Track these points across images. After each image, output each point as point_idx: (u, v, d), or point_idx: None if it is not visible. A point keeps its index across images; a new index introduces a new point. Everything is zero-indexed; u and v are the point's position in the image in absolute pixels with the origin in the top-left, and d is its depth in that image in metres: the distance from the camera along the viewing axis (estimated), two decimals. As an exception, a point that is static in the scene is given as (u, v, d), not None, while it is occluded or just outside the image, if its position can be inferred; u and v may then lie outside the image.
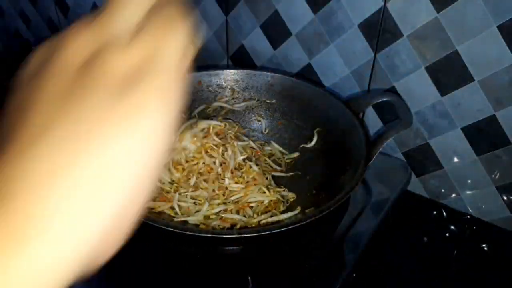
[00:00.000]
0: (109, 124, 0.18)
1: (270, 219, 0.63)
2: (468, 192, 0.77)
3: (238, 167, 0.72)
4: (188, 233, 0.52)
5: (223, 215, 0.63)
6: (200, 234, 0.53)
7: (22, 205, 0.17)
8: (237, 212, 0.65)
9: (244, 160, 0.73)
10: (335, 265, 0.60)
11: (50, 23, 1.38)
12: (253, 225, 0.62)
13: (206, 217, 0.62)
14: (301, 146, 0.77)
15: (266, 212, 0.65)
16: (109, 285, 0.57)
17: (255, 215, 0.65)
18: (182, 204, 0.63)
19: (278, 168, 0.76)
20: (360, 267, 0.62)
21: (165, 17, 0.21)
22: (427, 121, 0.76)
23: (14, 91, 0.20)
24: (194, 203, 0.64)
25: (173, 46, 0.20)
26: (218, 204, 0.64)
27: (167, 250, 0.62)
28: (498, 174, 0.73)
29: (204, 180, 0.69)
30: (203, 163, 0.71)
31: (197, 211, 0.63)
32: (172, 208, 0.63)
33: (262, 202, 0.67)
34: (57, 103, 0.19)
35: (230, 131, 0.78)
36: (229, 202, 0.66)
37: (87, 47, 0.20)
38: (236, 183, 0.69)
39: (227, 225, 0.63)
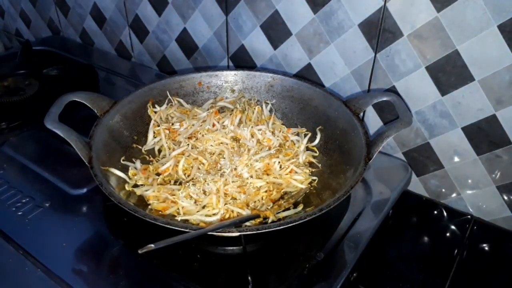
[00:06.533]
0: None
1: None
2: (469, 191, 0.77)
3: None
4: (187, 230, 0.52)
5: (229, 206, 0.62)
6: (200, 232, 0.53)
7: None
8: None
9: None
10: (335, 265, 0.60)
11: (50, 23, 1.38)
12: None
13: (208, 216, 0.61)
14: (306, 145, 0.76)
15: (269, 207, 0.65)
16: (110, 285, 0.57)
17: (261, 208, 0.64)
18: (185, 204, 0.63)
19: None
20: (360, 267, 0.62)
21: None
22: (427, 120, 0.76)
23: None
24: (195, 202, 0.64)
25: None
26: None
27: (168, 249, 0.62)
28: (498, 174, 0.73)
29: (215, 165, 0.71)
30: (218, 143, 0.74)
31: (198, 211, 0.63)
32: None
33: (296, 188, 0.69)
34: None
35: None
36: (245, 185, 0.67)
37: None
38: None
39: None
